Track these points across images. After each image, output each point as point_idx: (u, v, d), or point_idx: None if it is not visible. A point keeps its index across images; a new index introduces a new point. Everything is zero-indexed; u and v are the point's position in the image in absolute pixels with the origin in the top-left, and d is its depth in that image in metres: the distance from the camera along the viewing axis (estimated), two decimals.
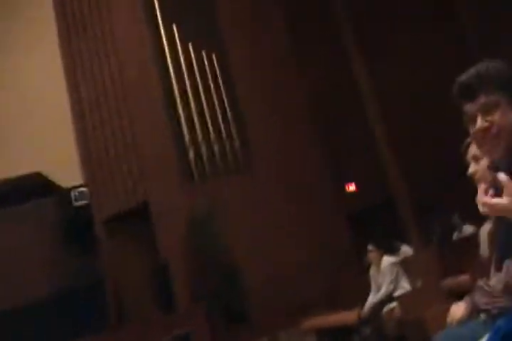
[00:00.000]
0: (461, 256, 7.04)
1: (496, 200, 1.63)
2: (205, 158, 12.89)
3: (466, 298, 2.27)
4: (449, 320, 2.38)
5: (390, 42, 14.01)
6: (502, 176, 1.58)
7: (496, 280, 2.06)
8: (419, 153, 13.64)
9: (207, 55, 13.50)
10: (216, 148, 13.06)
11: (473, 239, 6.26)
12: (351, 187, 14.43)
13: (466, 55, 13.79)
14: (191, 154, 12.81)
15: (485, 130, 1.83)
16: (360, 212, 13.78)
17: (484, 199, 1.64)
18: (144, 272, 11.63)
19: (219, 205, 11.46)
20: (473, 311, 2.20)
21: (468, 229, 9.65)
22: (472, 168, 2.49)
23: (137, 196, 11.84)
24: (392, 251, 9.53)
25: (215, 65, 13.56)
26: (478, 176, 2.41)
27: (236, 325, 10.77)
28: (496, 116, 1.82)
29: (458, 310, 2.32)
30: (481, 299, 2.11)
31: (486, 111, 1.83)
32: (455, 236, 10.17)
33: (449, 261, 7.78)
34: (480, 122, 1.83)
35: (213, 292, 10.94)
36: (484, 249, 5.22)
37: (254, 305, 11.71)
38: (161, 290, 11.24)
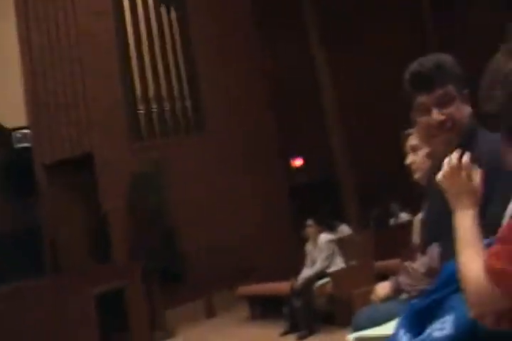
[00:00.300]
0: (395, 241, 7.22)
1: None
2: (155, 115, 12.83)
3: (391, 279, 2.39)
4: (372, 297, 2.51)
5: (351, 36, 14.27)
6: (454, 155, 1.58)
7: (419, 263, 2.19)
8: (369, 139, 13.93)
9: (167, 11, 13.32)
10: (167, 106, 13.00)
11: (408, 226, 6.48)
12: (298, 162, 14.63)
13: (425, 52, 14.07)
14: (141, 110, 12.72)
15: (440, 123, 1.85)
16: (304, 186, 14.02)
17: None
18: (83, 222, 11.49)
19: (165, 165, 11.42)
20: (396, 291, 2.34)
21: (404, 216, 9.99)
22: (410, 158, 2.57)
23: (82, 146, 11.62)
24: (331, 228, 9.74)
25: (174, 21, 13.40)
26: (415, 166, 2.53)
27: (171, 285, 10.86)
28: (452, 110, 1.85)
29: (382, 289, 2.44)
30: (404, 280, 2.26)
31: (442, 104, 1.85)
32: (392, 221, 10.50)
33: (383, 245, 7.97)
34: (436, 115, 1.85)
35: (151, 249, 10.96)
36: (416, 236, 5.42)
37: (191, 267, 11.84)
38: (99, 242, 11.13)
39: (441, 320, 1.41)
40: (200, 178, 12.60)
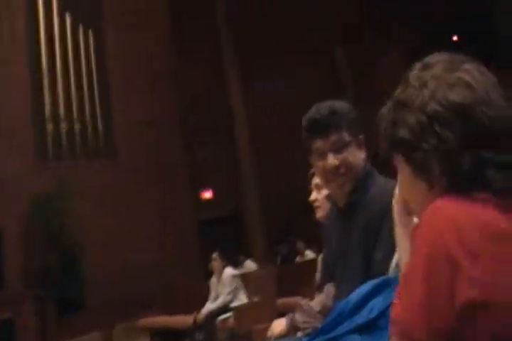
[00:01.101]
0: (299, 279, 7.32)
1: None
2: (64, 135, 12.57)
3: (288, 316, 2.39)
4: (268, 333, 2.50)
5: (266, 68, 14.65)
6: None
7: (316, 301, 2.25)
8: (279, 175, 14.16)
9: (83, 32, 13.19)
10: (78, 127, 12.79)
11: (312, 264, 6.57)
12: (207, 195, 14.66)
13: (338, 87, 14.68)
14: (50, 129, 12.45)
15: (335, 168, 1.91)
16: (213, 219, 14.03)
17: None
18: None
19: (71, 187, 11.11)
20: (292, 328, 2.32)
21: (309, 254, 10.15)
22: (313, 196, 2.63)
23: None
24: (236, 263, 9.76)
25: (91, 43, 13.30)
26: (318, 204, 2.60)
27: (69, 314, 10.48)
28: (346, 155, 1.92)
29: (278, 325, 2.43)
30: (300, 318, 2.27)
31: (338, 148, 1.92)
32: (297, 259, 10.62)
33: (288, 282, 8.04)
34: (331, 159, 1.92)
35: (48, 276, 10.56)
36: (318, 275, 5.51)
37: (92, 297, 11.50)
38: None
39: None
40: (107, 204, 12.38)
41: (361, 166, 1.95)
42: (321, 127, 1.93)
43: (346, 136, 1.92)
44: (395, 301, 0.95)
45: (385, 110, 1.11)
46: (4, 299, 8.76)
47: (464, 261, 0.87)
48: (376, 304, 1.44)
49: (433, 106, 1.00)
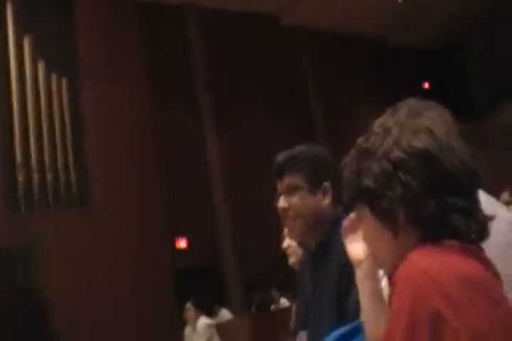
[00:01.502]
0: (274, 327, 7.30)
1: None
2: (35, 185, 12.42)
3: None
4: None
5: (240, 116, 14.95)
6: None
7: None
8: (254, 222, 14.18)
9: (57, 80, 13.24)
10: (50, 177, 12.68)
11: (287, 312, 6.57)
12: (182, 244, 14.59)
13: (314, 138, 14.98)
14: (20, 180, 12.30)
15: (284, 211, 1.92)
16: (188, 268, 13.91)
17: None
18: None
19: (42, 240, 10.94)
20: None
21: (284, 302, 10.12)
22: (285, 243, 2.63)
23: None
24: (211, 313, 9.64)
25: (65, 91, 13.35)
26: (290, 251, 2.60)
27: None
28: (295, 199, 1.91)
29: None
30: None
31: (288, 192, 1.92)
32: (272, 307, 10.57)
33: (263, 329, 7.99)
34: (282, 202, 1.93)
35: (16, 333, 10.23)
36: (292, 322, 5.51)
37: None
38: None
39: None
40: (79, 258, 12.14)
41: (313, 213, 1.91)
42: (278, 170, 1.96)
43: (300, 181, 1.92)
44: None
45: (348, 159, 1.10)
46: None
47: (447, 313, 0.85)
48: None
49: (397, 154, 0.99)
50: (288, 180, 1.93)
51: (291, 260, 2.62)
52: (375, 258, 1.12)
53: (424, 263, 0.90)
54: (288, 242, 2.63)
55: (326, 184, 1.94)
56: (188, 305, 7.52)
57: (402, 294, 0.89)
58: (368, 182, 1.02)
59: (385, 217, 1.00)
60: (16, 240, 10.68)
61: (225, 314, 10.62)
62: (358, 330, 1.45)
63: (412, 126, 1.01)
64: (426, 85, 18.16)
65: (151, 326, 12.00)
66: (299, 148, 2.01)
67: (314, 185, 1.93)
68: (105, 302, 12.09)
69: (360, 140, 1.08)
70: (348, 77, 16.87)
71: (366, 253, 1.50)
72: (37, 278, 10.79)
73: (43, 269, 10.90)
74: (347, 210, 1.57)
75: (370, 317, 1.42)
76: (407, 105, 1.07)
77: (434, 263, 0.90)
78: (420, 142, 0.98)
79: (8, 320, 10.48)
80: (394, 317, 0.90)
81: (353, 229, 1.55)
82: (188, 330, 7.57)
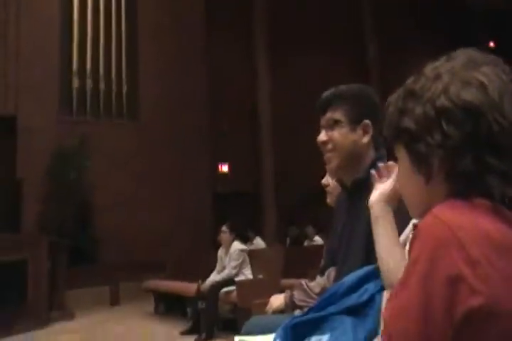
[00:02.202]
0: (305, 261, 7.35)
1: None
2: (89, 92, 12.70)
3: (287, 292, 2.46)
4: (267, 308, 2.57)
5: (296, 60, 14.66)
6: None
7: (315, 282, 2.33)
8: (297, 159, 14.20)
9: None
10: (103, 86, 12.91)
11: (320, 249, 6.64)
12: (224, 168, 14.76)
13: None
14: (75, 84, 12.54)
15: (324, 144, 1.98)
16: (228, 193, 14.16)
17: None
18: None
19: (91, 143, 11.23)
20: (290, 305, 2.40)
21: (318, 239, 10.27)
22: (325, 180, 2.67)
23: (7, 108, 11.23)
24: (246, 239, 9.84)
25: (123, 5, 13.40)
26: (329, 189, 2.64)
27: (78, 265, 10.68)
28: (335, 133, 1.97)
29: (276, 300, 2.51)
30: (298, 296, 2.36)
31: (329, 126, 1.98)
32: (306, 243, 10.75)
33: (294, 263, 8.07)
34: (322, 135, 1.99)
35: (62, 226, 10.71)
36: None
37: (102, 251, 11.72)
38: (9, 209, 10.76)
39: (319, 337, 1.46)
40: (124, 164, 12.54)
41: (351, 148, 1.95)
42: (322, 104, 2.00)
43: (341, 116, 1.96)
44: (390, 302, 0.92)
45: (393, 97, 1.08)
46: (21, 241, 8.99)
47: (466, 270, 0.84)
48: (368, 289, 1.48)
49: (443, 101, 0.96)
50: (330, 114, 1.98)
51: (329, 198, 2.65)
52: (406, 201, 1.10)
53: (447, 217, 0.89)
54: (327, 179, 2.65)
55: (367, 122, 1.96)
56: (224, 228, 7.53)
57: (421, 244, 0.89)
58: (408, 123, 1.00)
59: (420, 161, 0.99)
60: (68, 141, 11.05)
61: (259, 242, 10.84)
62: (377, 274, 1.49)
63: (465, 77, 0.97)
64: (491, 44, 17.35)
65: (186, 244, 12.38)
66: (347, 86, 2.04)
67: (355, 122, 1.96)
68: (143, 215, 12.50)
69: (410, 80, 1.06)
70: (408, 25, 16.29)
71: (376, 199, 1.57)
72: (84, 175, 11.23)
73: (91, 168, 11.34)
74: (389, 152, 1.58)
75: (381, 259, 1.46)
76: (465, 54, 1.01)
77: (458, 218, 0.89)
78: (470, 95, 0.95)
79: (61, 209, 11.01)
80: (411, 265, 0.90)
81: (386, 171, 1.61)
82: (221, 252, 7.62)
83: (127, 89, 13.35)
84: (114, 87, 13.25)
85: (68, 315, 9.42)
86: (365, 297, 1.47)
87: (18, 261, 8.47)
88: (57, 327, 8.81)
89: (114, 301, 10.75)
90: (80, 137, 11.18)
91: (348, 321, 1.45)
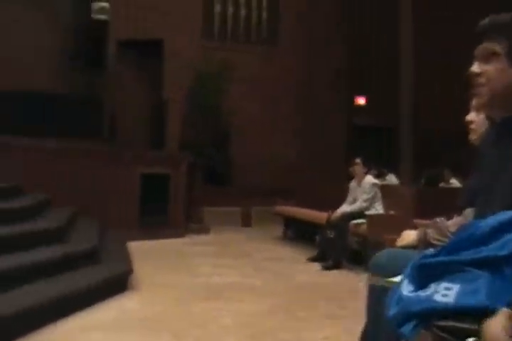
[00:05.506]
0: (439, 202, 7.14)
1: None
2: (230, 18, 12.81)
3: (421, 229, 2.38)
4: (398, 242, 2.51)
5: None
6: None
7: (452, 221, 2.24)
8: (439, 96, 13.65)
9: None
10: (243, 13, 12.96)
11: (456, 191, 6.41)
12: (361, 101, 14.49)
13: None
14: (217, 12, 12.72)
15: (475, 76, 1.76)
16: (364, 126, 14.00)
17: None
18: (143, 105, 11.41)
19: (231, 68, 11.40)
20: (422, 242, 2.31)
21: (454, 182, 9.95)
22: (470, 116, 2.52)
23: (155, 32, 11.42)
24: (378, 174, 9.72)
25: None
26: (474, 126, 2.49)
27: (214, 185, 11.13)
28: (490, 67, 1.75)
29: (408, 236, 2.45)
30: (432, 234, 2.26)
31: (484, 57, 1.76)
32: (441, 184, 10.46)
33: (426, 204, 7.84)
34: (475, 67, 1.78)
35: (201, 147, 11.11)
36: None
37: (237, 175, 12.11)
38: (155, 128, 11.19)
39: (449, 285, 1.31)
40: (261, 90, 12.70)
41: (507, 85, 1.72)
42: (480, 33, 1.78)
43: (499, 48, 1.72)
44: None
45: None
46: (166, 157, 9.77)
47: None
48: (509, 241, 1.29)
49: None
50: (486, 44, 1.75)
51: (473, 136, 2.52)
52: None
53: None
54: (472, 116, 2.50)
55: None
56: (358, 160, 7.43)
57: None
58: None
59: None
60: (209, 65, 11.31)
61: (392, 179, 10.70)
62: None
63: None
64: None
65: (317, 173, 12.47)
66: (510, 14, 1.76)
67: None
68: (277, 144, 12.68)
69: None
70: None
71: None
72: (223, 100, 11.54)
73: (229, 94, 11.62)
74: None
75: None
76: None
77: None
78: None
79: (200, 131, 11.45)
80: None
81: None
82: (353, 184, 7.53)
83: (267, 15, 13.38)
84: (254, 13, 13.33)
85: (204, 229, 10.08)
86: (504, 251, 1.27)
87: (163, 174, 9.25)
88: (195, 238, 9.44)
89: (246, 223, 11.17)
90: (220, 62, 11.36)
91: (483, 279, 1.27)
